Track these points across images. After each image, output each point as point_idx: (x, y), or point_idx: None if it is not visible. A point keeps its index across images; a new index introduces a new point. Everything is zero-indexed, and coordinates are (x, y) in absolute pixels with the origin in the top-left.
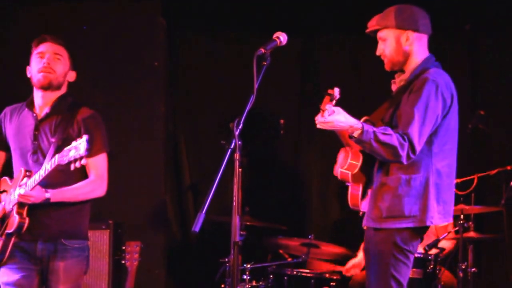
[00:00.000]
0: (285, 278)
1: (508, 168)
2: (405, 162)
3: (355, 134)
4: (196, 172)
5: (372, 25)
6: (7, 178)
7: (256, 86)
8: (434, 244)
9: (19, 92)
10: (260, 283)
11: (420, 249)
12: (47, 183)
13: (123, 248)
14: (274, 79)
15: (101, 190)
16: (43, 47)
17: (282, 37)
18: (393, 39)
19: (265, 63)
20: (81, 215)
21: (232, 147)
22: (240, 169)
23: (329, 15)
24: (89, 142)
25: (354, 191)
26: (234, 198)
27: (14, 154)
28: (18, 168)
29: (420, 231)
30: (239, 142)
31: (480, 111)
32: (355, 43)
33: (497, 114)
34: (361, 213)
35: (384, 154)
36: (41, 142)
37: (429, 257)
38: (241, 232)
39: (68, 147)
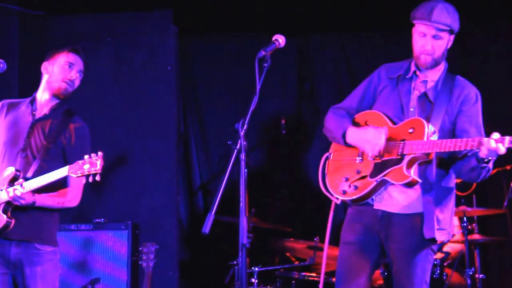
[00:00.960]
0: (293, 281)
1: (508, 168)
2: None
3: (489, 159)
4: (206, 172)
5: (442, 22)
6: None
7: (258, 87)
8: (439, 248)
9: None
10: (268, 287)
11: None
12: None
13: (140, 249)
14: (273, 79)
15: (76, 201)
16: (74, 59)
17: (280, 40)
18: (446, 41)
19: (265, 65)
20: (53, 221)
21: (238, 147)
22: (246, 170)
23: (324, 15)
24: (78, 152)
25: None
26: (241, 199)
27: (4, 146)
28: (4, 161)
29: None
30: (245, 143)
31: None
32: (350, 43)
33: (494, 111)
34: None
35: (481, 178)
36: (32, 141)
37: (435, 262)
38: (249, 235)
39: (81, 161)
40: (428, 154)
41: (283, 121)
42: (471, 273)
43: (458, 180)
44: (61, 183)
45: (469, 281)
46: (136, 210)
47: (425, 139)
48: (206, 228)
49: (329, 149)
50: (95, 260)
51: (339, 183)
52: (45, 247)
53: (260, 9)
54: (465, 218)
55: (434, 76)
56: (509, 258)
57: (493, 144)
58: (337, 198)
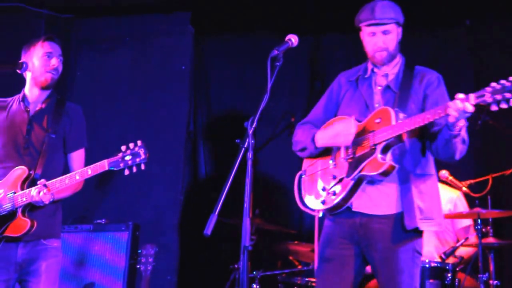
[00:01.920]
0: (295, 287)
1: None
2: (457, 161)
3: (459, 128)
4: (212, 172)
5: (387, 17)
6: None
7: (269, 85)
8: (451, 252)
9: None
10: None
11: (437, 258)
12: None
13: (139, 251)
14: (284, 78)
15: (80, 186)
16: (50, 47)
17: (293, 39)
18: (396, 34)
19: (278, 64)
20: (58, 213)
21: (245, 146)
22: (252, 169)
23: (337, 15)
24: (77, 137)
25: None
26: (246, 199)
27: (7, 147)
28: (8, 161)
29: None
30: (253, 141)
31: None
32: (350, 39)
33: (507, 109)
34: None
35: (457, 151)
36: (33, 137)
37: (447, 267)
38: (252, 237)
39: (120, 153)
40: (399, 137)
41: (292, 119)
42: (485, 278)
43: (472, 181)
44: (60, 169)
45: (482, 287)
46: (140, 210)
47: (393, 123)
48: (208, 229)
49: (301, 167)
50: (93, 262)
51: (317, 195)
52: (52, 241)
53: (273, 9)
54: (479, 221)
55: (393, 69)
56: None
57: (459, 104)
58: (317, 211)
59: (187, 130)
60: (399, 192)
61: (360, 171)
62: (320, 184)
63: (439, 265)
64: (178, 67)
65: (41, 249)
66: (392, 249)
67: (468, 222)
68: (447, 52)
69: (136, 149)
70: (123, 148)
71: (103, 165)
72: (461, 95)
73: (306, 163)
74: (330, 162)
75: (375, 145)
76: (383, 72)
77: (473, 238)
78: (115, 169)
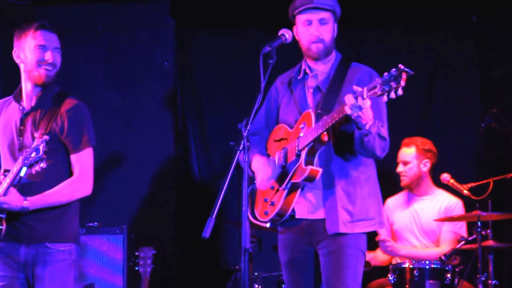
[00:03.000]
0: None
1: None
2: (382, 157)
3: (368, 125)
4: (206, 174)
5: (325, 2)
6: None
7: (263, 84)
8: (451, 254)
9: None
10: None
11: (437, 260)
12: (25, 185)
13: (136, 254)
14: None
15: (85, 190)
16: (44, 38)
17: (287, 34)
18: (332, 26)
19: (271, 61)
20: (67, 216)
21: (241, 148)
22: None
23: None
24: (75, 136)
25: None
26: (244, 202)
27: (2, 150)
28: (7, 165)
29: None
30: (248, 143)
31: (493, 109)
32: (361, 39)
33: (510, 112)
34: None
35: (376, 148)
36: (25, 138)
37: (447, 268)
38: (252, 239)
39: (30, 148)
40: (320, 140)
41: None
42: (483, 279)
43: (473, 184)
44: (66, 169)
45: (480, 287)
46: (133, 213)
47: (313, 126)
48: (207, 232)
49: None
50: (89, 266)
51: (261, 206)
52: (57, 245)
53: (265, 0)
54: (479, 223)
55: (325, 68)
56: None
57: (351, 99)
58: (266, 222)
59: (176, 131)
60: (323, 198)
61: (290, 179)
62: (263, 195)
63: (439, 266)
64: (159, 62)
65: (45, 253)
66: (336, 246)
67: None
68: (453, 49)
69: (40, 143)
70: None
71: (18, 162)
72: (355, 89)
73: None
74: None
75: (300, 151)
76: (314, 72)
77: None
78: (25, 166)
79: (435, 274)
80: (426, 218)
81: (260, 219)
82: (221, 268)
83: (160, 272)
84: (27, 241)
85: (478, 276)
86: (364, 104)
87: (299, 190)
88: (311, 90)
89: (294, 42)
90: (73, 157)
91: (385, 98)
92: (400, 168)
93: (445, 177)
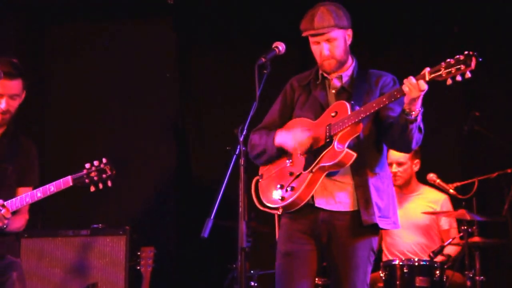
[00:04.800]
0: None
1: (509, 171)
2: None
3: (416, 113)
4: (204, 178)
5: (326, 26)
6: None
7: (258, 93)
8: (439, 251)
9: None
10: None
11: (425, 257)
12: None
13: (138, 253)
14: (276, 86)
15: (24, 224)
16: (0, 87)
17: (280, 47)
18: (342, 39)
19: (265, 71)
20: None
21: (237, 153)
22: (245, 175)
23: None
24: (29, 170)
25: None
26: (240, 203)
27: None
28: None
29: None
30: (244, 148)
31: (475, 112)
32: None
33: (493, 115)
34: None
35: (413, 140)
36: None
37: (435, 265)
38: (248, 238)
39: (85, 170)
40: (355, 128)
41: None
42: (471, 275)
43: (458, 184)
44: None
45: (469, 283)
46: (136, 214)
47: (349, 113)
48: (205, 232)
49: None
50: (93, 266)
51: (276, 193)
52: (17, 258)
53: (263, 16)
54: (465, 221)
55: (347, 71)
56: (508, 260)
57: (413, 80)
58: (277, 209)
59: (176, 136)
60: (355, 188)
61: (317, 163)
62: (277, 183)
63: (427, 263)
64: (162, 74)
65: (9, 263)
66: (351, 245)
67: (448, 226)
68: (437, 54)
69: (102, 166)
70: (87, 165)
71: (67, 181)
72: (414, 77)
73: (262, 168)
74: (287, 161)
75: (331, 136)
76: (336, 74)
77: (457, 240)
78: (79, 185)
79: (424, 271)
80: (416, 214)
81: (271, 205)
82: (218, 267)
83: (160, 271)
84: None
85: (466, 272)
86: (424, 87)
87: (323, 176)
88: (334, 91)
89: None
90: (19, 190)
91: (449, 81)
92: (394, 169)
93: (432, 177)
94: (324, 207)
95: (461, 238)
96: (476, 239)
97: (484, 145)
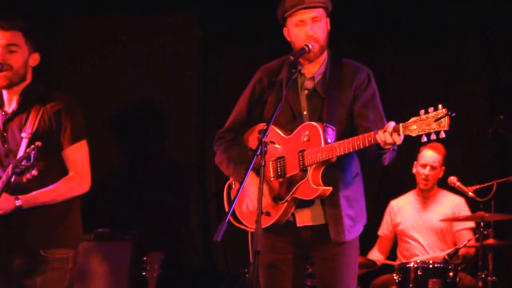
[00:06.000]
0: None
1: None
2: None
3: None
4: (222, 180)
5: (317, 1)
6: None
7: (284, 93)
8: (455, 254)
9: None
10: None
11: (440, 260)
12: (18, 187)
13: (145, 258)
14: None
15: (83, 186)
16: None
17: (310, 45)
18: (325, 23)
19: (294, 71)
20: (65, 220)
21: (258, 153)
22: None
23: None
24: (64, 131)
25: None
26: (258, 205)
27: None
28: None
29: None
30: (265, 149)
31: (500, 116)
32: (379, 54)
33: None
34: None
35: (387, 160)
36: (11, 142)
37: (449, 267)
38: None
39: (21, 155)
40: (329, 159)
41: None
42: (483, 276)
43: (477, 186)
44: (60, 168)
45: (480, 284)
46: (147, 217)
47: (322, 145)
48: (219, 236)
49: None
50: (96, 272)
51: (251, 214)
52: (53, 252)
53: None
54: (482, 224)
55: (320, 68)
56: None
57: (388, 138)
58: (248, 227)
59: (196, 138)
60: (323, 206)
61: (293, 193)
62: (251, 202)
63: (442, 265)
64: (184, 71)
65: (39, 262)
66: (340, 251)
67: (464, 226)
68: (465, 59)
69: (30, 151)
70: (27, 150)
71: (8, 170)
72: (390, 126)
73: None
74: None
75: (305, 167)
76: (310, 72)
77: (472, 241)
78: (15, 174)
79: (438, 273)
80: (433, 219)
81: (245, 224)
82: (228, 271)
83: (167, 276)
84: (20, 253)
85: (478, 273)
86: (399, 141)
87: (297, 201)
88: (306, 92)
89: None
90: (65, 154)
91: (423, 138)
92: (425, 171)
93: (452, 179)
94: (306, 224)
95: (476, 240)
96: (490, 241)
97: (503, 148)
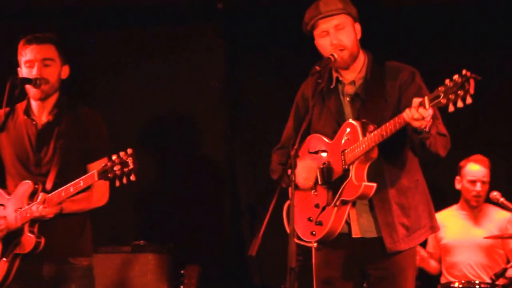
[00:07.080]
0: None
1: None
2: (445, 155)
3: (427, 128)
4: (251, 192)
5: (333, 8)
6: (1, 191)
7: (311, 104)
8: (502, 274)
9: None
10: None
11: (487, 279)
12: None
13: (182, 272)
14: None
15: (104, 199)
16: (30, 54)
17: (336, 55)
18: (352, 28)
19: (320, 81)
20: (84, 230)
21: (287, 166)
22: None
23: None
24: (97, 144)
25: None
26: (290, 221)
27: (12, 164)
28: (17, 179)
29: None
30: (295, 162)
31: None
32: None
33: None
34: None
35: (439, 148)
36: (44, 152)
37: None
38: (298, 257)
39: (110, 163)
40: (370, 153)
41: None
42: None
43: None
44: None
45: None
46: (180, 231)
47: (360, 139)
48: (253, 251)
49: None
50: (133, 284)
51: (305, 226)
52: (81, 260)
53: None
54: None
55: (360, 73)
56: None
57: (414, 112)
58: (310, 243)
59: (226, 151)
60: (375, 214)
61: (340, 196)
62: (305, 214)
63: (489, 286)
64: (208, 82)
65: (68, 269)
66: (396, 268)
67: None
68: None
69: (125, 157)
70: (113, 157)
71: (92, 175)
72: (416, 101)
73: (290, 191)
74: (312, 191)
75: (348, 166)
76: (349, 78)
77: None
78: (104, 179)
79: None
80: (484, 235)
81: (304, 239)
82: (262, 285)
83: None
84: (49, 261)
85: None
86: (426, 114)
87: (349, 206)
88: (348, 98)
89: None
90: (90, 167)
91: (451, 108)
92: (477, 188)
93: (495, 195)
94: (362, 236)
95: None
96: None
97: None
